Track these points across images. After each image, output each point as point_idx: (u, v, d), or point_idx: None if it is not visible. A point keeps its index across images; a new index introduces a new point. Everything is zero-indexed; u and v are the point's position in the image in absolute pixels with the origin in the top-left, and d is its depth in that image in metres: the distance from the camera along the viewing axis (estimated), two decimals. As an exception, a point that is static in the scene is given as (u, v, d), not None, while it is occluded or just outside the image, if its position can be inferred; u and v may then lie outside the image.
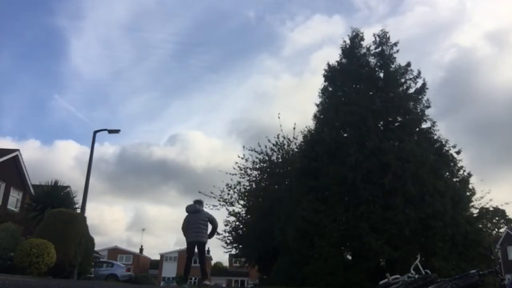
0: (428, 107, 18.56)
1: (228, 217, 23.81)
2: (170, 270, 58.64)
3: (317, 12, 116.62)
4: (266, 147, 22.83)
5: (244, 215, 23.66)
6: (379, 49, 19.45)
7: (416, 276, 6.90)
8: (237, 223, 23.92)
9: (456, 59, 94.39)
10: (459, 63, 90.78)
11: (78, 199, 19.15)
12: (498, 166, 76.56)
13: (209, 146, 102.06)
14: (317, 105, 19.63)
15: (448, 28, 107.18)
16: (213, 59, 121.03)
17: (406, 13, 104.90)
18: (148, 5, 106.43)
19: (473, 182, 18.30)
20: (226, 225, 24.02)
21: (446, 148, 18.14)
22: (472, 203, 18.04)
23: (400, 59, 19.26)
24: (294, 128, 22.72)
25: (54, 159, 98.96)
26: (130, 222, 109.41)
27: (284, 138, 22.96)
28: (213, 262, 64.91)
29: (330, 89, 19.72)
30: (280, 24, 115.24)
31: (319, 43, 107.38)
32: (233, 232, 23.94)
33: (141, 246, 63.13)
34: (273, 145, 22.86)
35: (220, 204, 22.96)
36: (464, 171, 18.11)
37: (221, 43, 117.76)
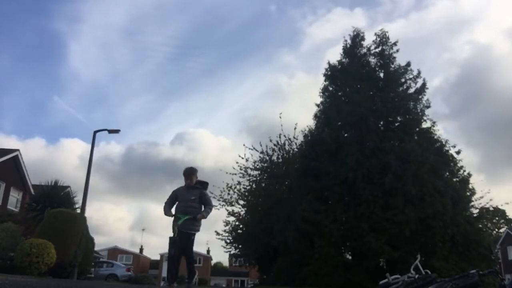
0: (428, 107, 18.61)
1: (228, 217, 23.83)
2: (170, 270, 58.53)
3: (339, 5, 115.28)
4: (267, 147, 22.87)
5: (244, 215, 23.67)
6: (379, 49, 19.48)
7: (416, 276, 6.89)
8: (237, 223, 23.92)
9: (473, 55, 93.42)
10: (476, 60, 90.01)
11: (78, 199, 19.15)
12: (509, 165, 76.34)
13: (217, 145, 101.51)
14: (318, 105, 19.64)
15: (469, 23, 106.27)
16: (217, 58, 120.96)
17: (429, 7, 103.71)
18: (146, 9, 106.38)
19: (473, 182, 18.35)
20: (226, 225, 24.06)
21: (446, 148, 18.16)
22: (472, 203, 18.05)
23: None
24: (295, 128, 22.73)
25: (60, 158, 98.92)
26: (134, 222, 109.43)
27: (285, 137, 22.97)
28: (213, 262, 64.88)
29: (331, 88, 19.73)
30: (300, 18, 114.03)
31: (337, 38, 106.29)
32: (233, 232, 23.94)
33: (141, 246, 63.06)
34: (274, 145, 22.87)
35: (220, 204, 22.95)
36: (464, 171, 18.15)
37: (222, 42, 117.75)
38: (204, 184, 6.94)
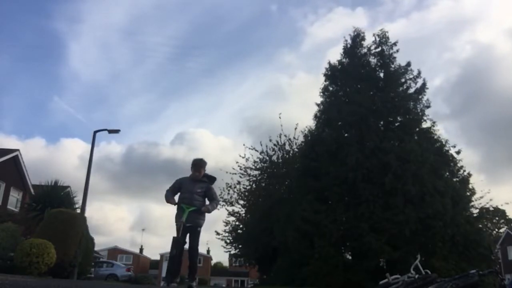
0: (428, 107, 18.62)
1: (228, 217, 23.85)
2: (170, 270, 58.42)
3: (340, 4, 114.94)
4: (267, 146, 22.89)
5: (244, 215, 23.68)
6: (379, 49, 19.48)
7: (416, 276, 6.88)
8: (237, 223, 23.94)
9: (474, 55, 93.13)
10: (477, 60, 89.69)
11: (78, 199, 19.16)
12: (509, 165, 76.20)
13: (218, 145, 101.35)
14: (318, 105, 19.64)
15: (470, 23, 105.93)
16: (217, 58, 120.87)
17: (430, 7, 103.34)
18: (146, 9, 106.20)
19: (473, 182, 18.36)
20: (226, 225, 24.08)
21: (446, 148, 18.18)
22: (472, 203, 18.06)
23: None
24: (295, 129, 22.75)
25: (60, 158, 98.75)
26: (134, 222, 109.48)
27: (286, 137, 22.99)
28: (213, 262, 64.90)
29: (331, 88, 19.74)
30: (301, 18, 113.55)
31: (338, 38, 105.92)
32: (233, 232, 23.96)
33: (141, 246, 63.05)
34: (274, 145, 22.89)
35: (220, 204, 22.94)
36: (464, 171, 18.16)
37: (222, 42, 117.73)
38: (212, 179, 6.65)
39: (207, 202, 6.45)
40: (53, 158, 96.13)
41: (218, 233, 24.22)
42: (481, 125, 79.69)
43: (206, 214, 6.42)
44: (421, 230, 15.54)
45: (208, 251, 60.38)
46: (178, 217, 6.14)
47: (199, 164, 6.45)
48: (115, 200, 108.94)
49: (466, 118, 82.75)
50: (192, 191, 6.29)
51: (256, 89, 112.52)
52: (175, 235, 6.07)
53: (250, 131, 74.54)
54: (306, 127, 20.37)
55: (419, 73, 18.98)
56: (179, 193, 6.41)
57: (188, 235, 6.12)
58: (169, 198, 6.30)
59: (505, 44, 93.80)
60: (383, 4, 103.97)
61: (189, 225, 6.05)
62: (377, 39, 19.57)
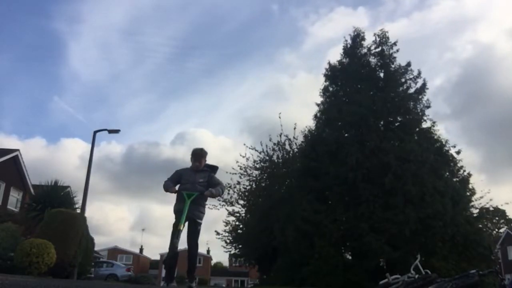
0: (428, 107, 18.63)
1: (228, 217, 23.86)
2: (170, 270, 58.37)
3: (342, 4, 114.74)
4: (267, 146, 22.89)
5: (244, 215, 23.69)
6: (379, 49, 19.48)
7: (416, 276, 6.88)
8: (237, 223, 23.94)
9: (475, 55, 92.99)
10: (478, 60, 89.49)
11: (78, 199, 19.18)
12: (510, 165, 76.17)
13: (218, 144, 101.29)
14: (318, 105, 19.65)
15: (471, 23, 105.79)
16: (217, 58, 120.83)
17: (432, 7, 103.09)
18: (146, 9, 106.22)
19: (473, 182, 18.38)
20: (226, 225, 24.08)
21: (446, 148, 18.19)
22: (472, 203, 18.08)
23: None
24: (294, 128, 22.75)
25: (60, 158, 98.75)
26: (134, 222, 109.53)
27: (286, 136, 22.99)
28: (213, 262, 64.92)
29: (331, 88, 19.75)
30: (302, 17, 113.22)
31: (339, 38, 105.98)
32: (233, 232, 23.96)
33: (141, 246, 63.12)
34: (274, 144, 22.89)
35: (220, 204, 22.97)
36: (464, 171, 18.18)
37: (222, 42, 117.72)
38: (214, 168, 6.24)
39: None
40: (53, 158, 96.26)
41: (218, 233, 24.25)
42: (482, 125, 79.75)
43: (206, 209, 6.17)
44: (421, 230, 15.54)
45: (208, 251, 60.43)
46: (176, 208, 5.84)
47: (199, 154, 6.09)
48: (115, 200, 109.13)
49: (467, 118, 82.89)
50: (194, 181, 5.90)
51: (256, 89, 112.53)
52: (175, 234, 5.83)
53: (251, 131, 74.53)
54: (306, 127, 20.39)
55: (419, 73, 19.03)
56: (178, 185, 6.00)
57: (187, 233, 5.82)
58: (169, 187, 5.90)
59: (506, 44, 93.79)
60: (384, 3, 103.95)
61: (191, 217, 5.72)
62: (377, 39, 19.60)
